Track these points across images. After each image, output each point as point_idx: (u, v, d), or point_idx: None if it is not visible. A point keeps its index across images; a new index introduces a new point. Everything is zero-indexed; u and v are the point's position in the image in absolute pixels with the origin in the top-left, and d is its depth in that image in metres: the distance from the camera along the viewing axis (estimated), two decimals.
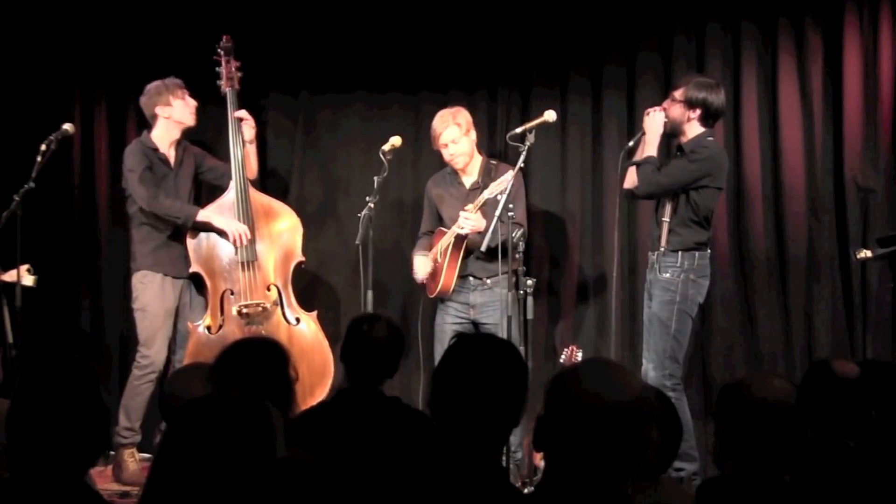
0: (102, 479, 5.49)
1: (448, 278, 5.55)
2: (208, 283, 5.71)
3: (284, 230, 5.83)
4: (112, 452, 5.63)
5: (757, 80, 5.99)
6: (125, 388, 5.67)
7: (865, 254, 5.46)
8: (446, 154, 5.64)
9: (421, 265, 5.73)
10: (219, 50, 5.89)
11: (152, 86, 5.70)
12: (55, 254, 6.26)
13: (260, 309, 5.67)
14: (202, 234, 5.72)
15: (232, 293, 5.69)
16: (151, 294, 5.64)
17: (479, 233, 5.37)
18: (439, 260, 5.61)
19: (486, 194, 5.30)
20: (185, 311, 5.74)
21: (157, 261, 5.66)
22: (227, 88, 5.86)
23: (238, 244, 5.65)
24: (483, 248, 5.24)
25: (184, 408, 2.10)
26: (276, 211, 5.87)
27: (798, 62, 5.95)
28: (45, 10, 6.29)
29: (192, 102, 5.73)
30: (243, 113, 5.80)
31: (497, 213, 5.12)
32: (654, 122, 5.21)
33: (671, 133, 5.26)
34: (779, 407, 2.62)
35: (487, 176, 5.58)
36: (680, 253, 5.13)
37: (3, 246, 5.36)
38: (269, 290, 5.73)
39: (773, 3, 5.99)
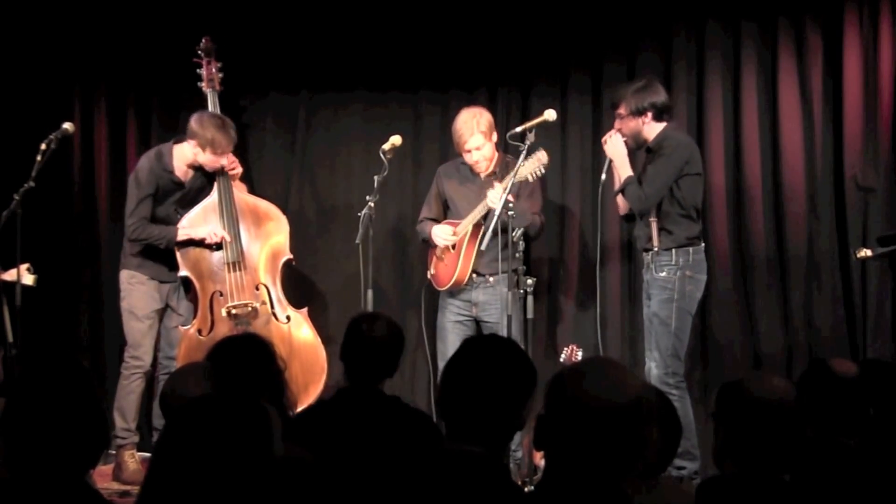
0: (102, 478, 5.49)
1: (464, 268, 5.53)
2: (197, 285, 5.70)
3: (271, 229, 5.81)
4: (112, 452, 5.63)
5: (757, 79, 5.99)
6: (117, 390, 5.67)
7: (865, 253, 5.46)
8: (469, 159, 5.62)
9: (442, 230, 5.63)
10: (199, 52, 5.90)
11: (207, 119, 5.60)
12: (55, 253, 6.26)
13: (249, 309, 5.66)
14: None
15: (221, 294, 5.68)
16: (139, 295, 5.65)
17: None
18: (452, 251, 5.59)
19: (513, 176, 5.25)
20: (173, 309, 5.72)
21: (144, 263, 5.65)
22: (208, 89, 5.89)
23: (223, 245, 5.63)
24: (483, 247, 5.24)
25: (180, 407, 2.10)
26: (262, 210, 5.85)
27: (798, 62, 5.95)
28: (45, 11, 6.28)
29: (222, 163, 5.63)
30: (229, 163, 5.70)
31: (497, 212, 5.12)
32: (615, 146, 5.26)
33: (637, 146, 5.28)
34: (778, 406, 2.63)
35: (505, 169, 5.57)
36: (674, 251, 5.16)
37: (3, 245, 5.35)
38: (258, 289, 5.72)
39: (773, 3, 5.98)
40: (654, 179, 5.16)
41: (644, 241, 5.28)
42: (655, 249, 5.18)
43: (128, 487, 5.39)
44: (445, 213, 5.79)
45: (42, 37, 6.31)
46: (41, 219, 5.99)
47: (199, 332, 5.66)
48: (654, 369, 5.16)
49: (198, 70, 5.89)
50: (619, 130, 5.25)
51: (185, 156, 5.66)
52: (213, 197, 5.74)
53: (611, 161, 5.31)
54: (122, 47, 6.35)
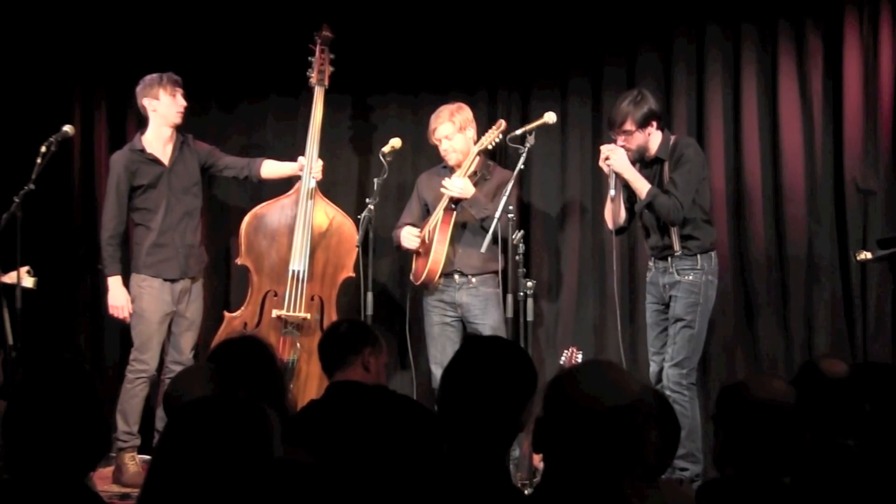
0: (102, 481, 5.48)
1: (437, 257, 5.48)
2: (254, 278, 5.70)
3: (341, 243, 5.76)
4: (113, 455, 5.63)
5: (757, 81, 5.99)
6: (120, 393, 5.65)
7: (865, 255, 5.46)
8: (440, 148, 5.63)
9: (408, 233, 5.64)
10: (316, 38, 5.79)
11: (148, 77, 5.64)
12: (55, 255, 6.25)
13: (301, 319, 5.65)
14: (260, 227, 5.71)
15: (275, 295, 5.67)
16: (149, 299, 5.61)
17: (465, 199, 5.42)
18: (426, 242, 5.58)
19: (475, 152, 5.46)
20: (181, 314, 5.68)
21: (151, 262, 5.61)
22: (316, 83, 5.77)
23: (291, 252, 5.62)
24: (483, 250, 5.24)
25: (181, 408, 2.10)
26: (337, 225, 5.79)
27: (798, 64, 5.95)
28: (45, 11, 6.28)
29: (182, 102, 5.63)
30: (319, 169, 5.75)
31: (497, 214, 5.13)
32: (621, 160, 5.14)
33: (639, 159, 5.23)
34: (778, 408, 2.63)
35: (486, 170, 5.59)
36: (699, 255, 5.17)
37: (3, 248, 5.35)
38: (312, 300, 5.69)
39: (774, 5, 5.99)
40: (685, 186, 5.12)
41: (662, 247, 5.25)
42: (678, 253, 5.18)
43: (128, 490, 5.38)
44: (426, 216, 5.76)
45: (42, 38, 6.31)
46: (41, 221, 5.98)
47: (245, 325, 5.64)
48: (668, 370, 5.17)
49: (309, 58, 5.80)
50: (625, 147, 5.16)
51: (151, 136, 5.63)
52: (293, 200, 5.71)
53: (617, 177, 5.17)
54: (123, 49, 6.34)
